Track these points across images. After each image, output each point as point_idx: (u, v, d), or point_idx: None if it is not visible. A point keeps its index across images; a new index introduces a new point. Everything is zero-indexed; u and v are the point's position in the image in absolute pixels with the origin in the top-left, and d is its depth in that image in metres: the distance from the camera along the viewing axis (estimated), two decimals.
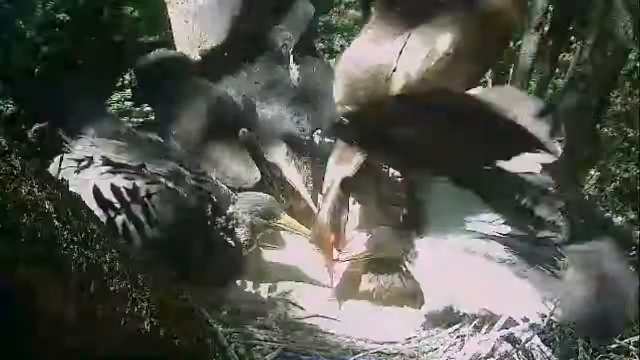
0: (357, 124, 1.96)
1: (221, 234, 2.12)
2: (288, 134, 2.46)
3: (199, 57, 2.72)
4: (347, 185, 2.03)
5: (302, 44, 2.64)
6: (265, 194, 2.21)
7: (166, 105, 2.48)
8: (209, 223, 2.11)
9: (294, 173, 2.38)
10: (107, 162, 2.05)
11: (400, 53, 1.94)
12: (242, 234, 2.15)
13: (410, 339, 1.99)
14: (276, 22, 2.66)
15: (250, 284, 2.28)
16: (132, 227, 1.89)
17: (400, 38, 1.95)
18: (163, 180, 2.03)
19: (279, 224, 2.17)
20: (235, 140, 2.34)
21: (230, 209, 2.15)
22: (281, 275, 2.32)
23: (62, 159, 2.06)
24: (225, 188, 2.23)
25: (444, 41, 1.93)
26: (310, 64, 2.65)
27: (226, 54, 2.64)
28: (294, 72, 2.62)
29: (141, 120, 3.00)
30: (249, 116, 2.50)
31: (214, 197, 2.13)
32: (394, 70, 1.94)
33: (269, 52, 2.61)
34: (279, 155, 2.41)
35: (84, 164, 2.06)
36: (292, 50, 2.63)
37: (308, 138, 2.49)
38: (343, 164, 2.04)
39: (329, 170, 2.09)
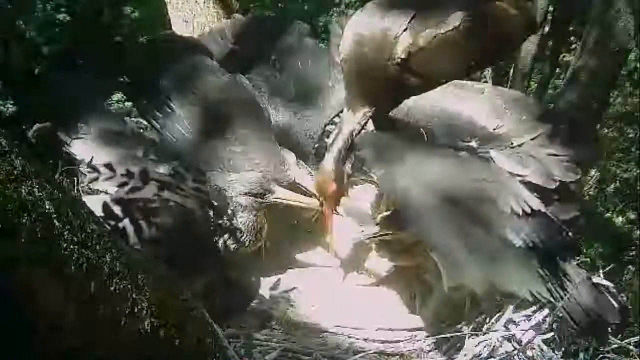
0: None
1: (224, 236, 2.11)
2: (296, 144, 2.42)
3: None
4: (353, 135, 2.04)
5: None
6: (255, 172, 2.19)
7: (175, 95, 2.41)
8: (211, 227, 2.09)
9: (305, 175, 2.38)
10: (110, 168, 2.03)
11: (412, 18, 1.93)
12: (244, 231, 2.14)
13: (410, 338, 1.99)
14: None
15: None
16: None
17: (410, 9, 1.96)
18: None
19: (276, 198, 2.16)
20: (265, 133, 2.28)
21: (230, 208, 2.13)
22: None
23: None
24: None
25: (455, 15, 1.93)
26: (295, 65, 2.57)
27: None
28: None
29: (142, 120, 2.99)
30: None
31: (214, 201, 2.12)
32: (404, 30, 1.93)
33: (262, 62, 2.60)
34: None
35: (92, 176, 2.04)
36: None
37: (316, 145, 2.46)
38: (351, 114, 2.04)
39: (339, 121, 2.10)
